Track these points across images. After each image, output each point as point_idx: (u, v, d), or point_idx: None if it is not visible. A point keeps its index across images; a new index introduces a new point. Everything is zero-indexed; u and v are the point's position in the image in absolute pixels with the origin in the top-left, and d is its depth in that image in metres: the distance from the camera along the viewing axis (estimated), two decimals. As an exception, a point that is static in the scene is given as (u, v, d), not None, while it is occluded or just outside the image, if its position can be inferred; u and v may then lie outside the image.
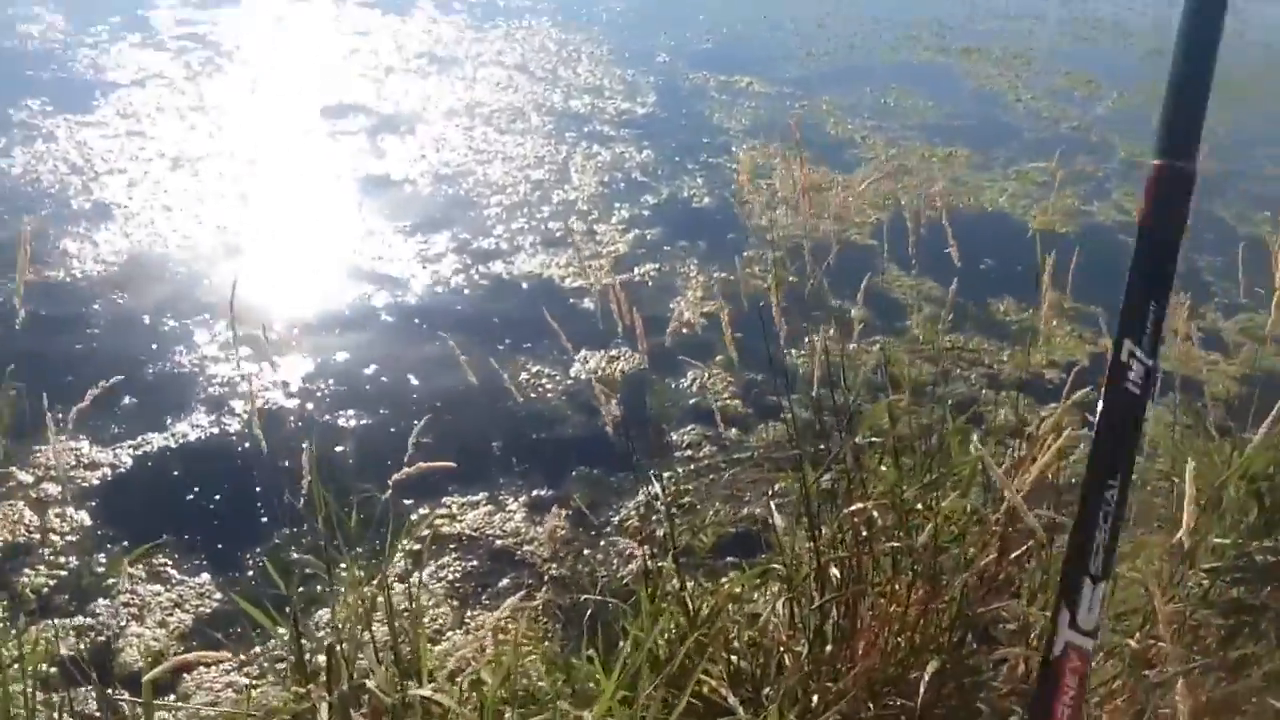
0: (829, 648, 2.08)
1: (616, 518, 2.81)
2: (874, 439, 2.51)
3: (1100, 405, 0.90)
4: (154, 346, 3.43)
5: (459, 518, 2.77)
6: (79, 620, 2.28)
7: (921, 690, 1.83)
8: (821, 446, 2.55)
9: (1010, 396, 3.32)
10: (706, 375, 3.45)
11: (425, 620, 2.34)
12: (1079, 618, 0.90)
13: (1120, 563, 2.22)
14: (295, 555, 2.52)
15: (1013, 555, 2.14)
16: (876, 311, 3.85)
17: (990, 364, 3.68)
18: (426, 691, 1.53)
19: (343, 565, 1.91)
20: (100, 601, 2.36)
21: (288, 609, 1.66)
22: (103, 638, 2.25)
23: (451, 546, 2.66)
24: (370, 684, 1.53)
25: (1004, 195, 5.20)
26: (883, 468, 2.25)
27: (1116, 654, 2.08)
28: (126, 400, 3.12)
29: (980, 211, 5.03)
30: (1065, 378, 2.24)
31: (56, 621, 2.23)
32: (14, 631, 2.07)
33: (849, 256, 4.27)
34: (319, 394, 3.28)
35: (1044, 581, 2.09)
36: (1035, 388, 3.55)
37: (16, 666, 1.75)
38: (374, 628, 1.86)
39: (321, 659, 1.69)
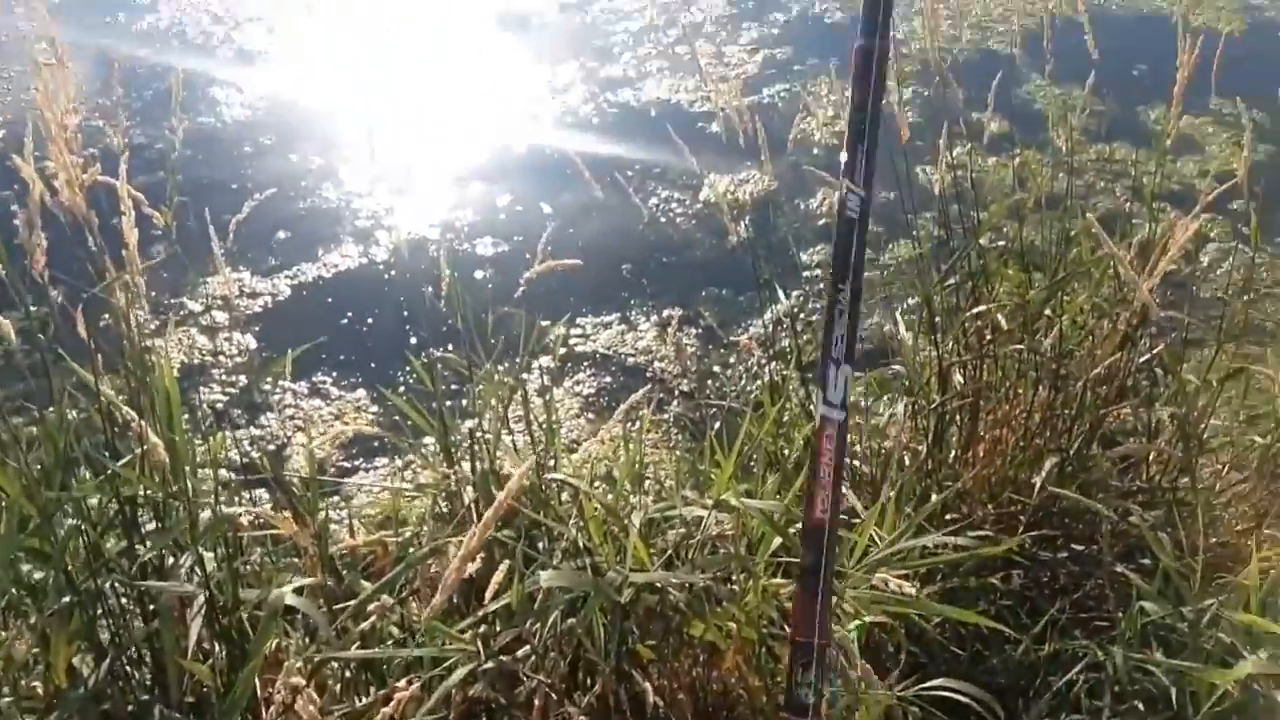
0: (951, 454, 2.12)
1: (745, 335, 2.88)
2: (1001, 244, 2.48)
3: (834, 229, 1.14)
4: (303, 184, 3.60)
5: (593, 337, 2.89)
6: (252, 431, 2.51)
7: (1037, 488, 1.86)
8: (952, 264, 2.53)
9: (1150, 209, 3.19)
10: (836, 194, 3.42)
11: (561, 432, 2.48)
12: (829, 395, 1.10)
13: (1254, 365, 2.17)
14: (442, 369, 2.68)
15: (1141, 359, 2.11)
16: (1018, 124, 3.70)
17: (1135, 175, 3.52)
18: (560, 476, 1.65)
19: (483, 379, 2.04)
20: (269, 415, 2.58)
21: (434, 404, 1.79)
22: (272, 447, 2.47)
23: (586, 364, 2.79)
24: (508, 465, 1.66)
25: (1161, -6, 4.85)
26: (1008, 270, 2.23)
27: (1246, 457, 2.06)
28: (281, 234, 3.31)
29: (1135, 13, 4.71)
30: (1217, 188, 2.14)
31: (232, 433, 2.46)
32: (196, 440, 2.29)
33: (990, 67, 4.09)
34: (459, 224, 3.40)
35: (1174, 388, 2.06)
36: (1183, 200, 3.40)
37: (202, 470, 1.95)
38: (513, 433, 1.99)
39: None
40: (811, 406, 2.21)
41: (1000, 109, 2.52)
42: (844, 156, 1.13)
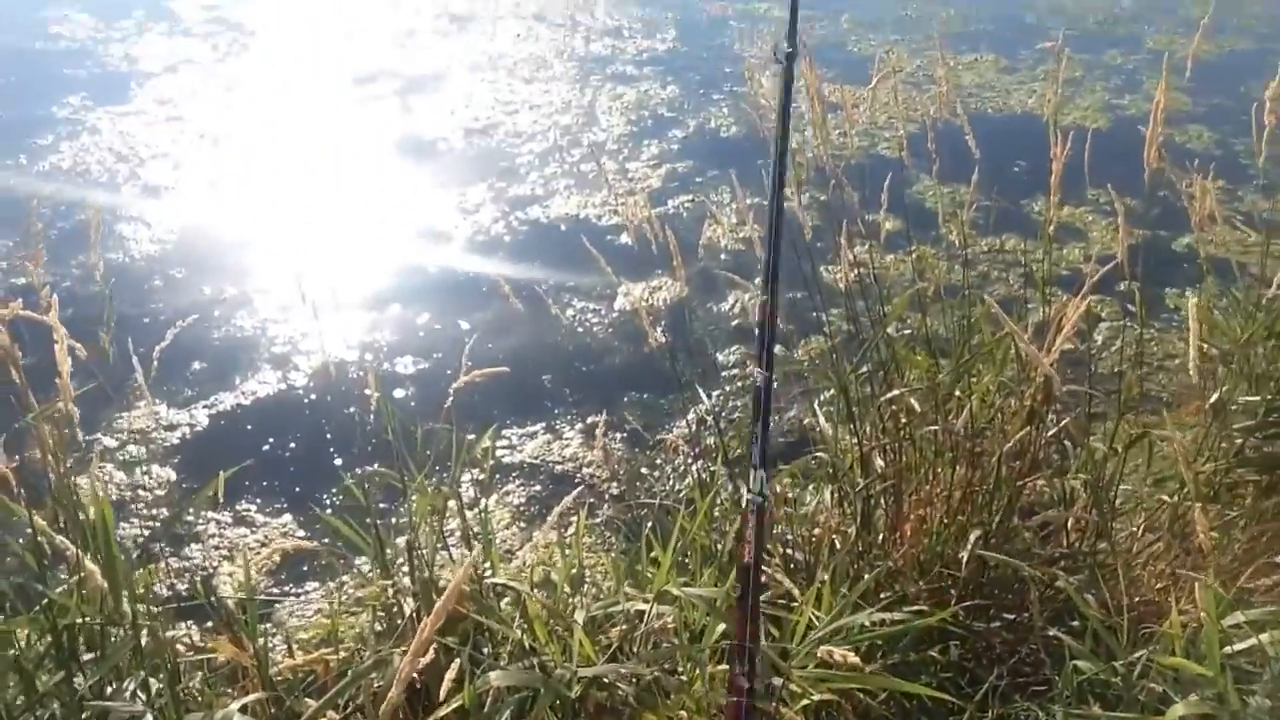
0: (879, 536, 2.18)
1: (669, 436, 2.93)
2: (907, 332, 2.59)
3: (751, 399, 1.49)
4: (216, 314, 3.59)
5: (519, 448, 2.91)
6: (176, 564, 2.45)
7: (965, 559, 1.92)
8: (862, 354, 2.63)
9: (1043, 293, 3.37)
10: (746, 296, 3.53)
11: (495, 542, 2.48)
12: (752, 486, 1.30)
13: (1155, 431, 2.29)
14: (370, 487, 2.66)
15: (1049, 432, 2.22)
16: (910, 221, 3.89)
17: (1025, 264, 3.72)
18: (501, 580, 1.66)
19: (415, 494, 2.04)
20: (193, 546, 2.53)
21: (368, 520, 1.79)
22: (199, 577, 2.42)
23: (514, 475, 2.80)
24: (447, 573, 1.66)
25: (1032, 97, 5.19)
26: (917, 357, 2.34)
27: (1157, 518, 2.16)
28: (197, 365, 3.29)
29: (1009, 114, 5.03)
30: (1100, 269, 2.28)
31: (155, 566, 2.40)
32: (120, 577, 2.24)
33: (880, 169, 4.31)
34: (376, 345, 3.42)
35: (1083, 458, 2.16)
36: (1074, 283, 3.59)
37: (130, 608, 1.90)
38: (448, 547, 1.99)
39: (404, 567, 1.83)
40: (740, 499, 2.27)
41: (894, 209, 2.67)
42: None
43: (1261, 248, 3.73)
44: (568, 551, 1.95)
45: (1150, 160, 2.00)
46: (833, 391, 3.00)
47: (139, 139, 4.90)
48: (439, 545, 1.93)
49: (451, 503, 2.00)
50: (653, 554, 1.99)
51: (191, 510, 2.68)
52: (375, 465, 2.76)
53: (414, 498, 1.83)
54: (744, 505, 1.33)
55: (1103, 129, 4.85)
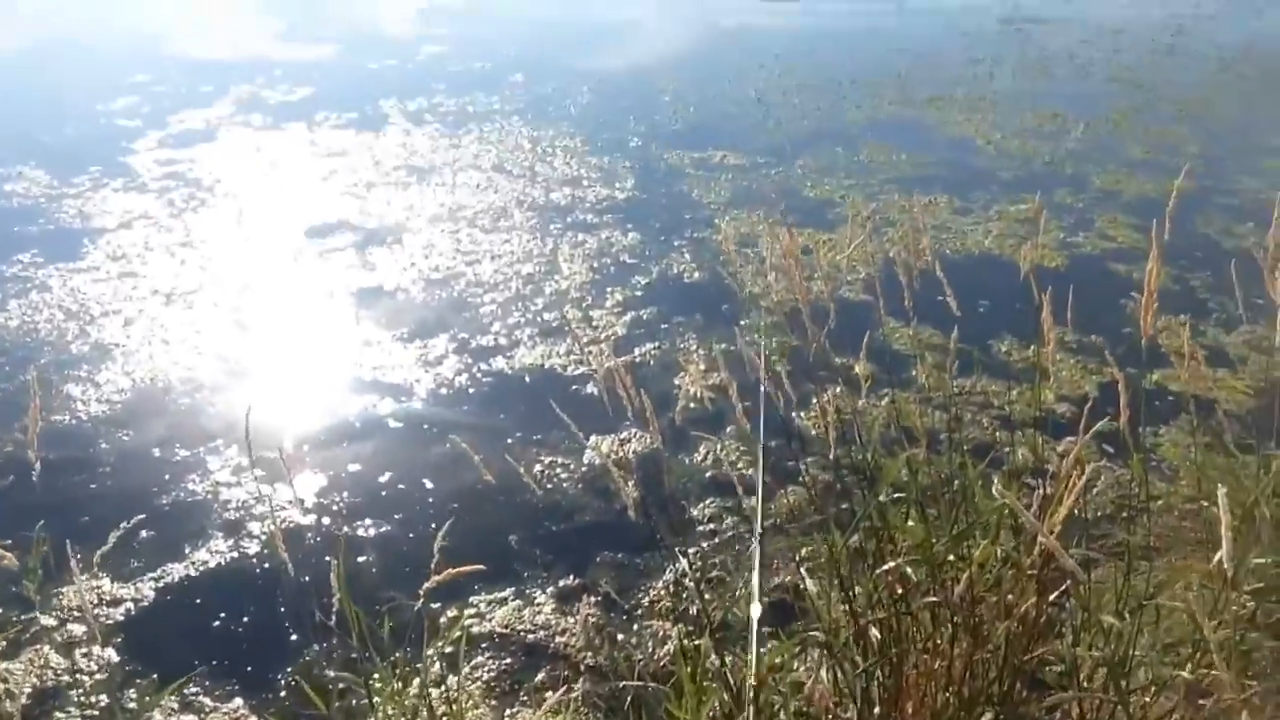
0: (876, 709, 2.05)
1: (646, 599, 2.79)
2: (897, 494, 2.50)
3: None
4: (166, 478, 3.42)
5: (488, 616, 2.74)
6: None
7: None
8: (844, 505, 2.54)
9: (1026, 436, 3.31)
10: (719, 447, 3.45)
11: (466, 726, 2.30)
12: None
13: (1160, 592, 2.20)
14: (328, 672, 2.49)
15: (1051, 597, 2.12)
16: (880, 366, 3.85)
17: (1000, 405, 3.68)
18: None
19: (378, 677, 1.89)
20: (136, 744, 2.32)
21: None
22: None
23: (484, 646, 2.64)
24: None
25: (989, 237, 5.26)
26: (910, 523, 2.24)
27: (1170, 687, 2.05)
28: (144, 534, 3.11)
29: (968, 255, 5.08)
30: (1076, 410, 2.24)
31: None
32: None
33: (845, 314, 4.28)
34: (335, 508, 3.27)
35: (1085, 620, 2.06)
36: (1049, 424, 3.55)
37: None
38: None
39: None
40: (728, 674, 2.13)
41: (865, 353, 2.61)
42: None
43: (1241, 385, 3.74)
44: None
45: (1146, 330, 1.95)
46: (814, 548, 2.90)
47: (90, 296, 4.80)
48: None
49: (417, 696, 1.84)
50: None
51: (134, 697, 2.48)
52: (334, 643, 2.59)
53: (378, 702, 1.67)
54: None
55: (1061, 268, 4.91)
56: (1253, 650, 2.06)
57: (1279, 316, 2.21)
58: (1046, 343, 2.14)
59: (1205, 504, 2.44)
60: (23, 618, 2.75)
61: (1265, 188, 5.71)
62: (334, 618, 1.74)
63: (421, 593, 1.59)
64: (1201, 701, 1.99)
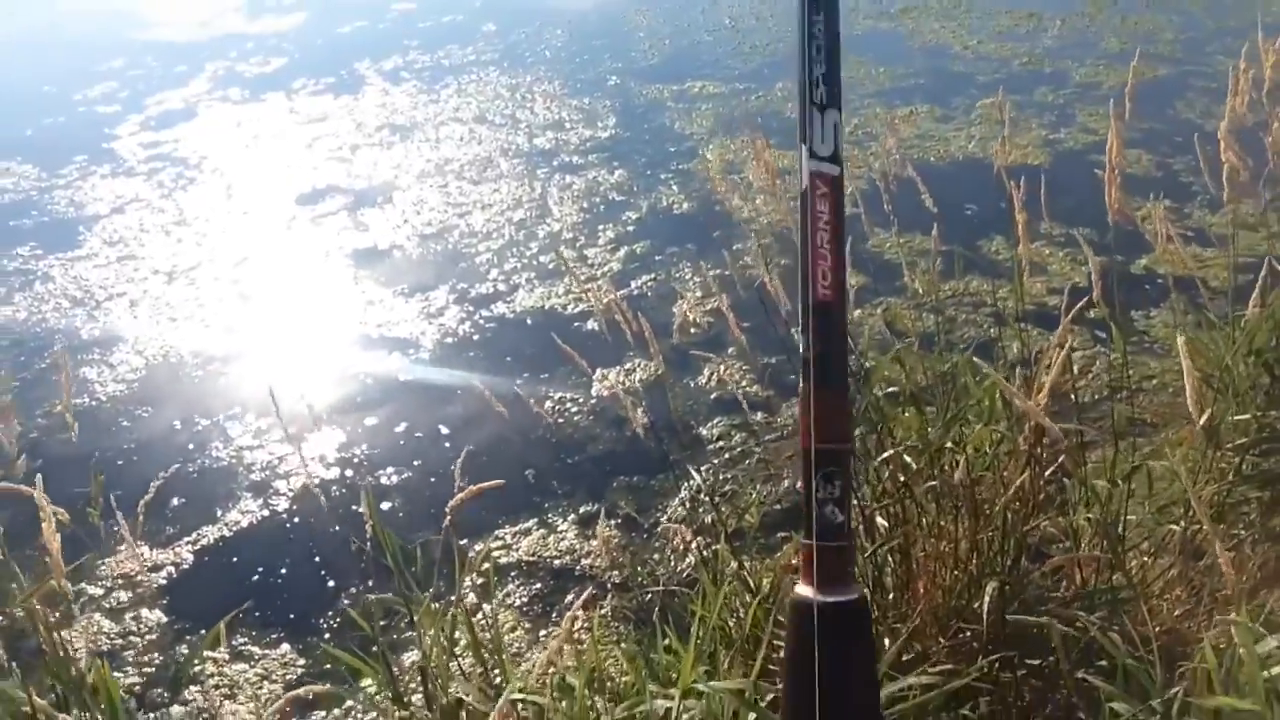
0: (890, 595, 2.15)
1: (664, 517, 2.90)
2: (892, 389, 2.59)
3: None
4: (190, 447, 3.53)
5: (514, 547, 2.86)
6: (176, 710, 2.37)
7: (985, 613, 1.90)
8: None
9: (1015, 330, 3.40)
10: (723, 368, 3.54)
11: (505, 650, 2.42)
12: (815, 148, 0.96)
13: (1152, 459, 2.30)
14: (368, 600, 2.61)
15: (1046, 472, 2.21)
16: (872, 275, 3.93)
17: (993, 303, 3.75)
18: (519, 696, 1.61)
19: (419, 600, 1.99)
20: (192, 689, 2.45)
21: (374, 648, 1.74)
22: (202, 722, 2.34)
23: (513, 574, 2.76)
24: (467, 697, 1.61)
25: (972, 141, 5.30)
26: (906, 415, 2.33)
27: (1165, 547, 2.16)
28: (175, 501, 3.22)
29: (953, 160, 5.12)
30: (1070, 300, 2.31)
31: (154, 715, 2.32)
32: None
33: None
34: (357, 461, 3.37)
35: (1083, 493, 2.16)
36: (1041, 317, 3.63)
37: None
38: (459, 659, 1.94)
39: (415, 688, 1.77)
40: (747, 576, 2.24)
41: (856, 265, 2.69)
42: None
43: (1226, 263, 3.81)
44: (582, 652, 1.90)
45: (1112, 210, 2.02)
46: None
47: (93, 281, 4.87)
48: (448, 657, 1.88)
49: (457, 616, 1.95)
50: (667, 643, 1.94)
51: (185, 651, 2.60)
52: (370, 584, 2.71)
53: (420, 621, 1.78)
54: (803, 180, 0.94)
55: (1044, 164, 4.95)
56: (1239, 504, 2.17)
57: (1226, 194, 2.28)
58: (1020, 239, 2.22)
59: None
60: (70, 588, 2.86)
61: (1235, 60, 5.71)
62: (369, 546, 1.84)
63: (448, 510, 1.68)
64: (1196, 561, 2.09)
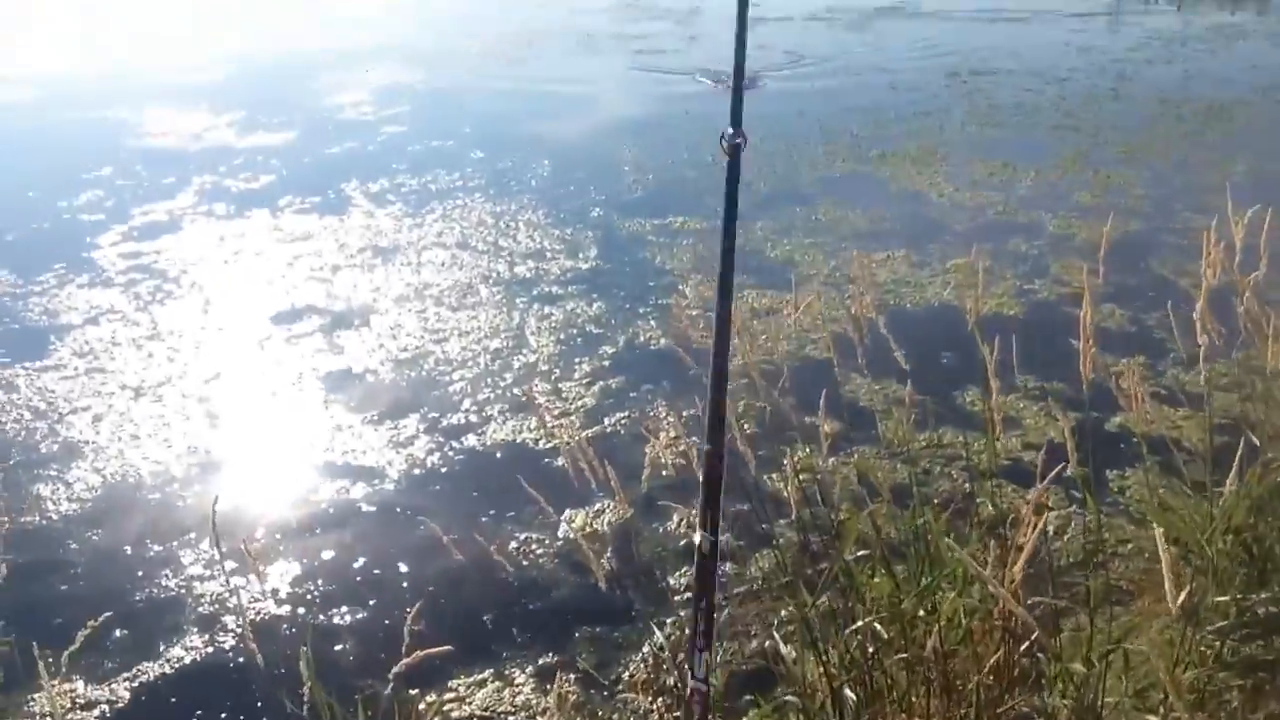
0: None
1: (626, 673, 2.79)
2: (864, 551, 2.53)
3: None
4: (139, 574, 3.41)
5: (468, 699, 2.74)
6: None
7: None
8: (815, 568, 2.56)
9: (989, 487, 3.36)
10: (692, 514, 3.46)
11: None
12: (696, 673, 1.32)
13: (1129, 637, 2.23)
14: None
15: (1021, 647, 2.15)
16: (847, 423, 3.90)
17: (967, 456, 3.72)
18: None
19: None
20: None
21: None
22: None
23: (465, 732, 2.63)
24: None
25: (947, 289, 5.36)
26: (876, 579, 2.27)
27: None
28: (117, 633, 3.09)
29: (928, 307, 5.16)
30: (1045, 457, 2.28)
31: None
32: None
33: (811, 373, 4.36)
34: (309, 597, 3.26)
35: (1058, 672, 2.09)
36: (1015, 472, 3.60)
37: None
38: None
39: None
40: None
41: (830, 410, 2.66)
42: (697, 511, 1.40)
43: (1200, 423, 3.81)
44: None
45: (1086, 373, 2.01)
46: (789, 611, 2.91)
47: (57, 393, 4.78)
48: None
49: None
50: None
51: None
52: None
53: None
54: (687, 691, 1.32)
55: (1018, 315, 5.00)
56: (1221, 691, 2.09)
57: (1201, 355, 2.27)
58: (991, 394, 2.20)
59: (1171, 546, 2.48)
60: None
61: (1211, 225, 5.84)
62: (305, 709, 1.75)
63: (391, 676, 1.59)
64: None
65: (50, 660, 2.32)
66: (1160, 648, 2.00)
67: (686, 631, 1.20)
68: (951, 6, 15.98)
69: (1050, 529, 3.29)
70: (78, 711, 2.79)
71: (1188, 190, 6.86)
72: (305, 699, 1.73)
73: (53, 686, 2.82)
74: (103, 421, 4.52)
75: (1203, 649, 2.09)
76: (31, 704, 2.82)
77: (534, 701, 2.72)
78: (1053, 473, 2.15)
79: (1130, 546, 3.13)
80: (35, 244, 6.93)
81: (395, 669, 1.62)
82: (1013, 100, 9.67)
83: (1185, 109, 9.12)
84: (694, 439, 3.54)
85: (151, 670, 2.98)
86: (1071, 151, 7.91)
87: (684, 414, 4.08)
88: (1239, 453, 2.37)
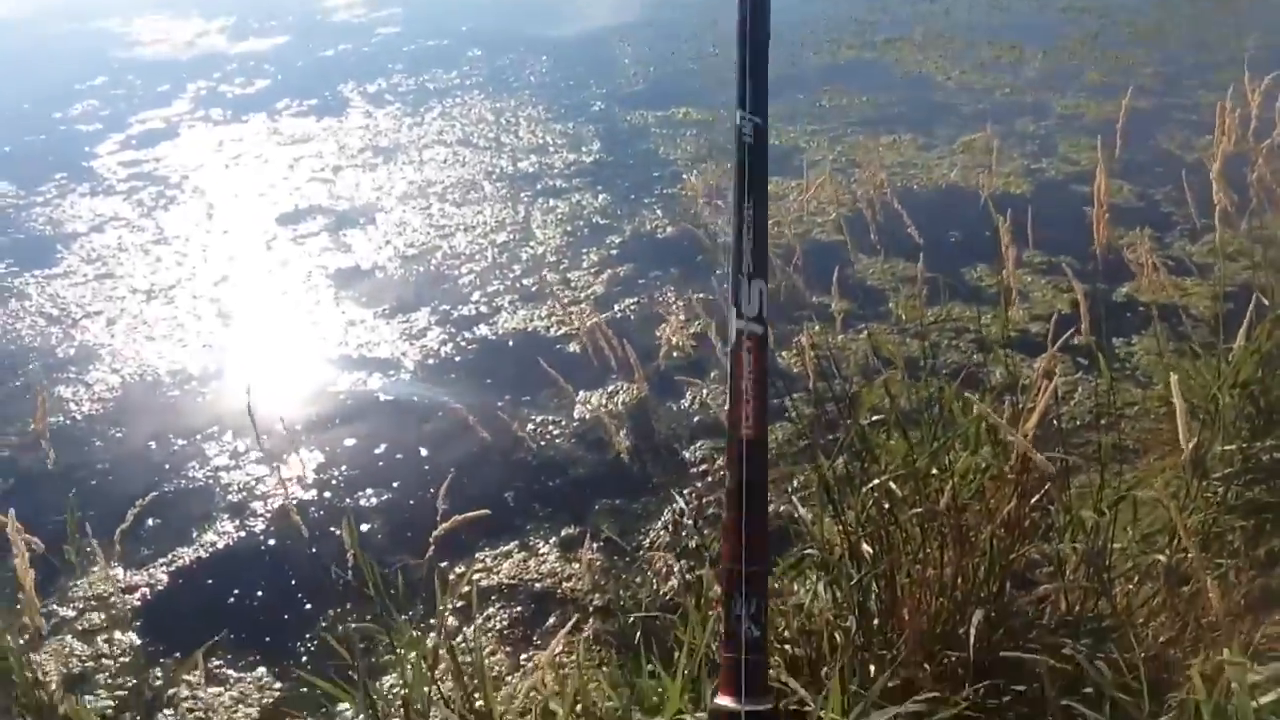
0: (875, 621, 2.14)
1: (648, 540, 2.87)
2: (878, 417, 2.58)
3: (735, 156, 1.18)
4: (166, 468, 3.48)
5: (495, 570, 2.83)
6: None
7: (971, 640, 1.88)
8: (831, 436, 2.62)
9: (999, 356, 3.40)
10: (705, 392, 3.52)
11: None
12: (743, 309, 1.13)
13: (1138, 487, 2.29)
14: (348, 626, 2.57)
15: (1032, 500, 2.20)
16: (857, 301, 3.93)
17: (976, 330, 3.76)
18: (505, 721, 1.58)
19: (398, 627, 1.96)
20: (165, 712, 2.40)
21: (353, 674, 1.71)
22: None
23: (493, 598, 2.72)
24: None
25: (954, 170, 5.33)
26: (891, 442, 2.32)
27: (1151, 575, 2.15)
28: (150, 523, 3.17)
29: (936, 188, 5.15)
30: (1048, 329, 2.32)
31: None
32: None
33: (820, 254, 4.37)
34: (335, 482, 3.33)
35: (1069, 521, 2.15)
36: (1024, 344, 3.64)
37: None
38: (439, 685, 1.90)
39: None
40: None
41: (842, 290, 2.69)
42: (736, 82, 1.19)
43: (1207, 292, 3.84)
44: (565, 678, 1.87)
45: (1100, 241, 2.03)
46: (804, 478, 2.98)
47: (70, 299, 4.82)
48: (429, 685, 1.84)
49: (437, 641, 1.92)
50: (651, 668, 1.92)
51: (159, 675, 2.55)
52: (349, 608, 2.68)
53: (401, 651, 1.75)
54: (731, 336, 1.11)
55: (1026, 193, 4.98)
56: (1225, 532, 2.16)
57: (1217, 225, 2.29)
58: (1006, 264, 2.22)
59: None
60: (41, 610, 2.81)
61: (1222, 100, 5.78)
62: (350, 573, 1.81)
63: (431, 540, 1.65)
64: (1181, 588, 2.08)
65: (89, 548, 2.39)
66: (1169, 495, 2.06)
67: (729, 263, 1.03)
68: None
69: (1059, 394, 3.35)
70: (120, 596, 2.88)
71: (1198, 68, 6.75)
72: (350, 564, 1.80)
73: (94, 572, 2.91)
74: (116, 325, 4.56)
75: (1207, 495, 2.15)
76: (73, 589, 2.91)
77: (559, 569, 2.80)
78: (1062, 338, 2.19)
79: (1136, 408, 3.18)
80: (34, 155, 6.89)
81: (435, 533, 1.68)
82: (1019, -19, 9.46)
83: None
84: (704, 320, 3.58)
85: (187, 556, 3.07)
86: (1080, 33, 7.76)
87: (694, 298, 4.10)
88: (1248, 313, 2.40)
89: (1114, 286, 3.92)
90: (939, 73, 7.02)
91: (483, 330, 4.19)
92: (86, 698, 2.46)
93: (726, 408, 1.12)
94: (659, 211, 5.17)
